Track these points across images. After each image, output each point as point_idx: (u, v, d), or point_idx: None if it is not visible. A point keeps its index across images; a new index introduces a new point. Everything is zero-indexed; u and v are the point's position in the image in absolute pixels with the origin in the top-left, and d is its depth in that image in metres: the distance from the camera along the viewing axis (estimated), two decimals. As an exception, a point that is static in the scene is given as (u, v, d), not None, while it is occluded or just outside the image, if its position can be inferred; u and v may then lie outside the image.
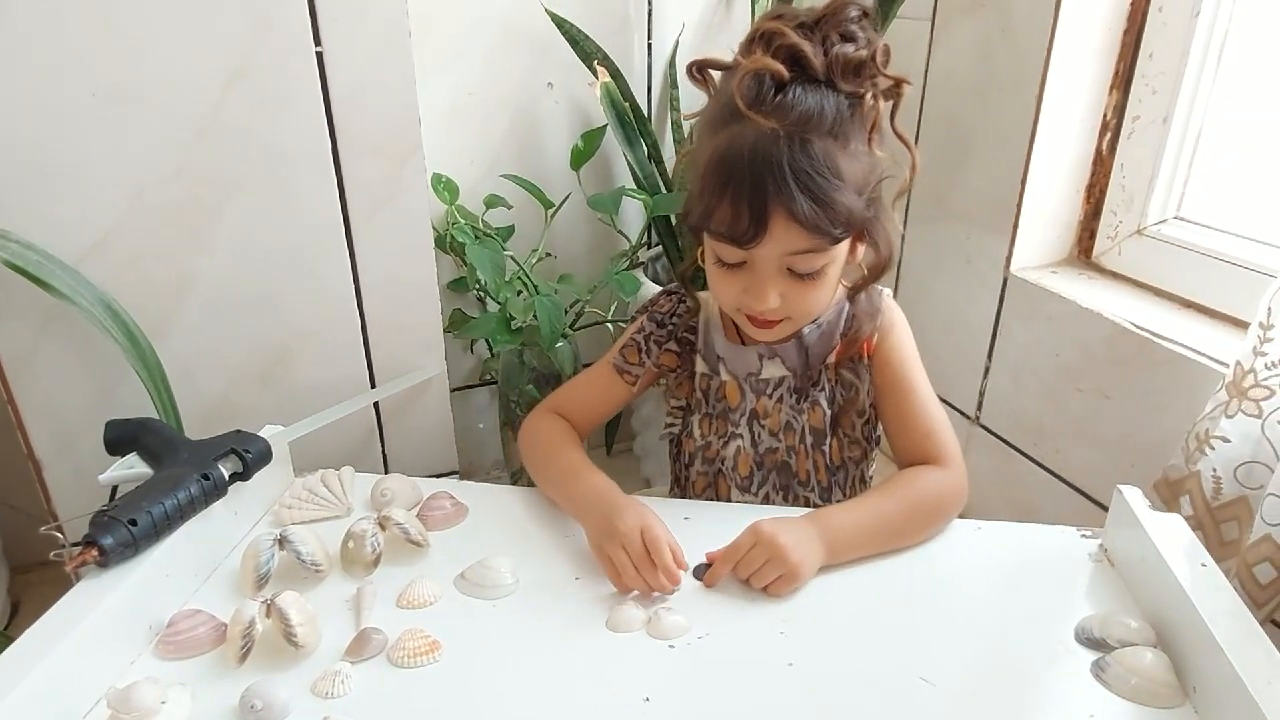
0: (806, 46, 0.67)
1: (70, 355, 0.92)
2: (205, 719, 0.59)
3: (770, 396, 0.83)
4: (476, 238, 1.21)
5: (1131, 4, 1.11)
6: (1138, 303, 1.12)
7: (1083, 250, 1.25)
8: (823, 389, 0.83)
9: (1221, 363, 0.96)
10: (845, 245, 0.74)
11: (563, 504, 0.81)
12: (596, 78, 1.24)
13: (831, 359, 0.82)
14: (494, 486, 0.88)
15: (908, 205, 1.44)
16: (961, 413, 1.37)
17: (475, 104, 1.31)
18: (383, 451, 1.11)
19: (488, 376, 1.43)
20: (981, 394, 1.32)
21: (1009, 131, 1.19)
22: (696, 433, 0.87)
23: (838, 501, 0.86)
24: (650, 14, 1.36)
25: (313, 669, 0.63)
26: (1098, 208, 1.22)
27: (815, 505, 0.86)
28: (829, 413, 0.83)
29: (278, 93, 0.89)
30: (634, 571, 0.70)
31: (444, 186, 1.23)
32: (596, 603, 0.70)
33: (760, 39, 0.69)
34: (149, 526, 0.66)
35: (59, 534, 0.67)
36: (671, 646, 0.66)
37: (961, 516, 0.84)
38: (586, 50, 1.27)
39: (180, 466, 0.72)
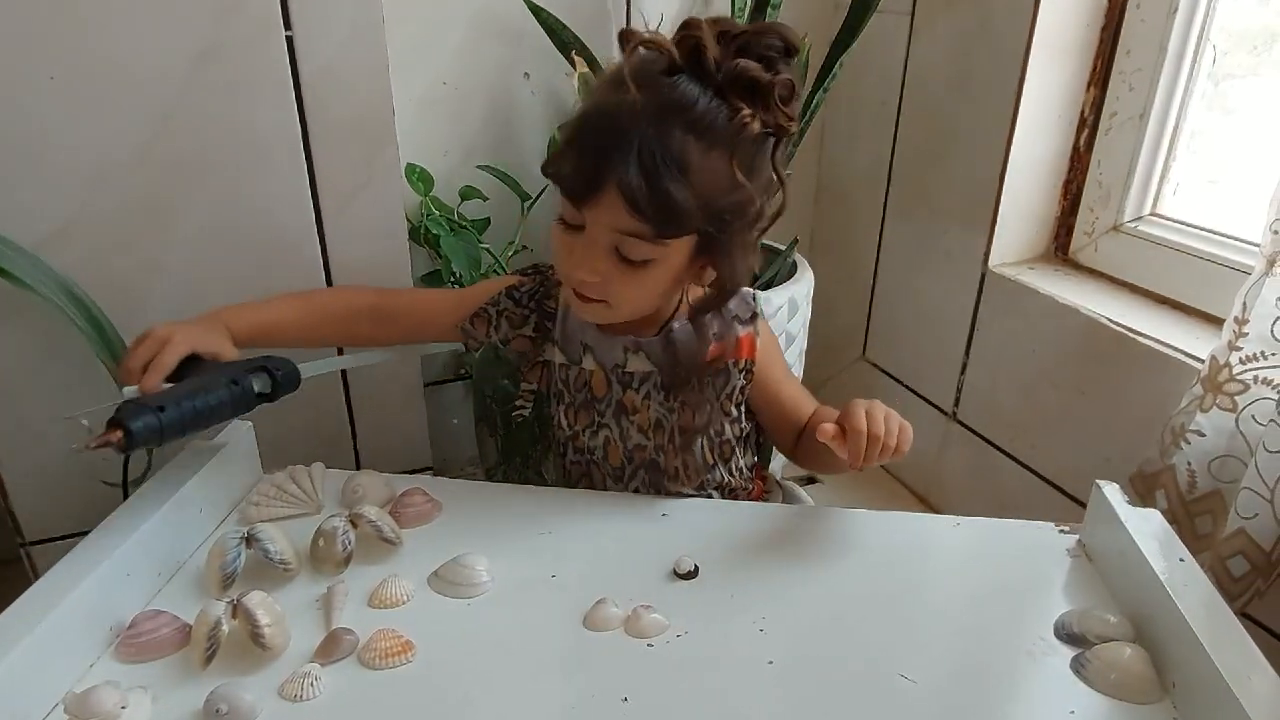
0: (712, 47, 0.67)
1: (30, 345, 0.89)
2: (168, 723, 0.57)
3: (637, 391, 0.82)
4: (451, 229, 1.19)
5: (1109, 1, 1.12)
6: (1114, 299, 1.13)
7: (1060, 247, 1.26)
8: (693, 388, 0.81)
9: (1196, 358, 0.97)
10: (679, 252, 0.72)
11: None
12: (574, 68, 1.22)
13: (706, 358, 0.81)
14: (468, 483, 0.87)
15: (885, 200, 1.45)
16: (938, 408, 1.37)
17: (450, 93, 1.29)
18: (354, 447, 1.09)
19: (462, 371, 1.41)
20: (958, 390, 1.33)
21: (987, 127, 1.19)
22: (564, 422, 0.86)
23: (708, 498, 0.85)
24: (629, 4, 1.35)
25: (281, 671, 0.61)
26: (1075, 204, 1.22)
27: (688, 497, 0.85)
28: (700, 416, 0.82)
29: (246, 77, 0.87)
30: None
31: (418, 177, 1.22)
32: (574, 601, 0.68)
33: (679, 26, 0.69)
34: (176, 418, 0.65)
35: (83, 421, 0.67)
36: (650, 645, 0.65)
37: (938, 512, 0.84)
38: (564, 40, 1.26)
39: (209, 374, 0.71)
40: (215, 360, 0.76)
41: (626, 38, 0.72)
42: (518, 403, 0.88)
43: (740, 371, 0.81)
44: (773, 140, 0.71)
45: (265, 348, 0.80)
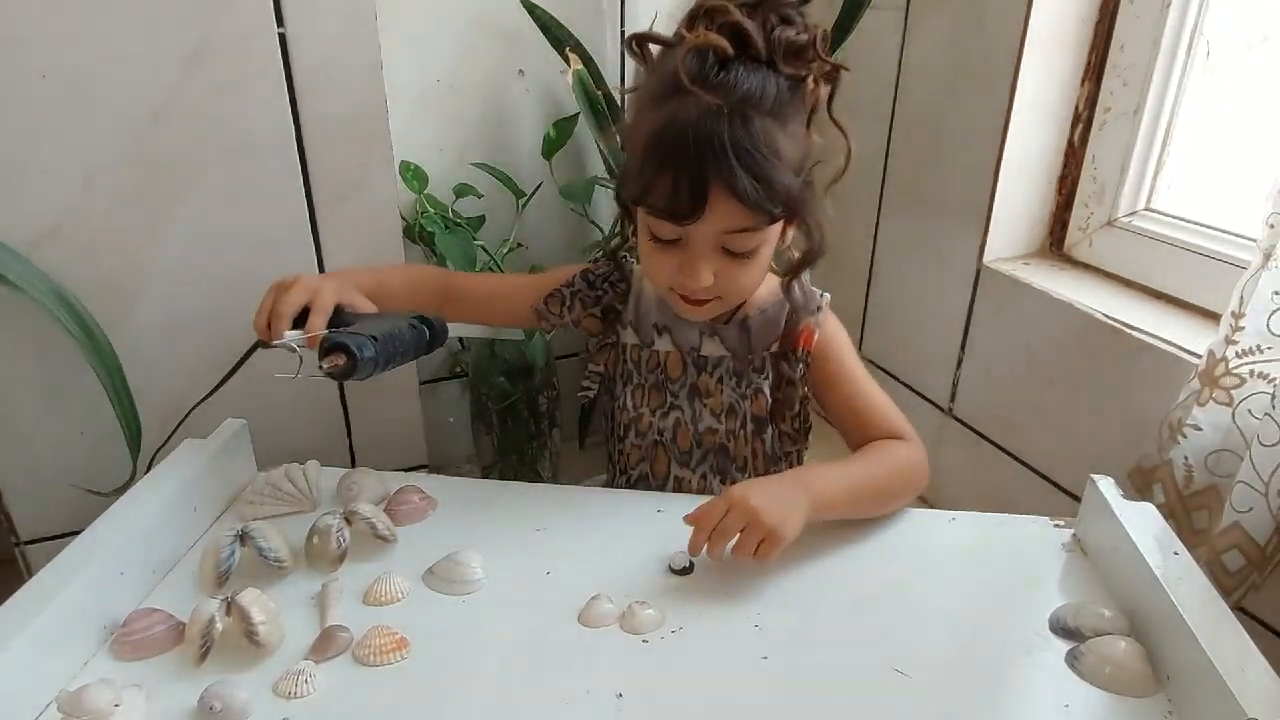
0: (750, 25, 0.68)
1: (20, 347, 0.89)
2: (162, 722, 0.57)
3: (711, 375, 0.84)
4: (446, 227, 1.19)
5: (1103, -4, 1.12)
6: (1109, 294, 1.13)
7: (1054, 242, 1.26)
8: (766, 376, 0.83)
9: (1192, 353, 0.96)
10: (778, 226, 0.74)
11: None
12: (569, 65, 1.22)
13: (775, 347, 0.82)
14: (463, 480, 0.87)
15: (880, 197, 1.44)
16: (934, 404, 1.37)
17: (445, 91, 1.29)
18: (349, 445, 1.09)
19: (458, 369, 1.41)
20: (954, 386, 1.33)
21: (982, 123, 1.19)
22: (629, 404, 0.86)
23: None
24: (623, 1, 1.35)
25: (275, 668, 0.61)
26: (1069, 200, 1.22)
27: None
28: (771, 402, 0.83)
29: (238, 75, 0.86)
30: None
31: (413, 175, 1.21)
32: (568, 598, 0.68)
33: (704, 15, 0.69)
34: (385, 351, 0.65)
35: (293, 347, 0.67)
36: (645, 641, 0.65)
37: (934, 507, 0.84)
38: (558, 37, 1.25)
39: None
40: (355, 312, 0.74)
41: (639, 44, 0.73)
42: (584, 383, 0.90)
43: (798, 361, 0.82)
44: (829, 90, 0.73)
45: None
